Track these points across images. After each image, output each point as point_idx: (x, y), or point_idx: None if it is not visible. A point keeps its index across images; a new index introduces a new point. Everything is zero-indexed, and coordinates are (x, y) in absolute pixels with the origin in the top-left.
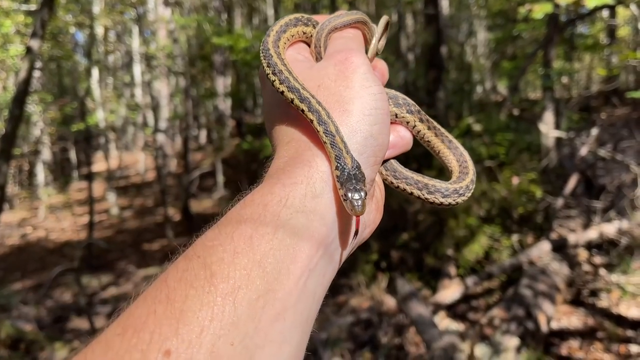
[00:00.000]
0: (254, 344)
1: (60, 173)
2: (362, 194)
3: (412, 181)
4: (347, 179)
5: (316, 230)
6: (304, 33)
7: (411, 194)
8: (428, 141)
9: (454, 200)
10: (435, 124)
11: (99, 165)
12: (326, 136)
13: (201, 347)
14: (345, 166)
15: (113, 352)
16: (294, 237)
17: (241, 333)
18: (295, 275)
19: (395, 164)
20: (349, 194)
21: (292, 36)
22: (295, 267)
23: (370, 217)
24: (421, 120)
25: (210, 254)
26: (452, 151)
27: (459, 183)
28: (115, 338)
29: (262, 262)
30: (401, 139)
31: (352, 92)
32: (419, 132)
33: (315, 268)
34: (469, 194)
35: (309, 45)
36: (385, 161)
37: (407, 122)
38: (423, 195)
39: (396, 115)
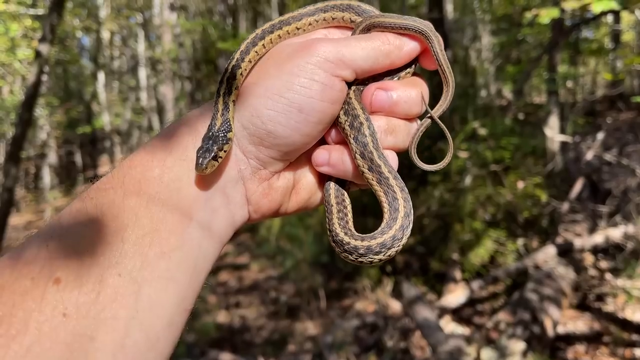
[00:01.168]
0: (142, 277)
1: (66, 176)
2: (211, 154)
3: (329, 210)
4: (208, 137)
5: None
6: (352, 21)
7: (325, 220)
8: (365, 177)
9: (356, 258)
10: (383, 168)
11: (104, 168)
12: (216, 96)
13: (90, 276)
14: (213, 126)
15: (3, 280)
16: (178, 182)
17: (128, 266)
18: (177, 218)
19: (331, 185)
20: (199, 152)
21: (334, 19)
22: (179, 211)
23: (254, 198)
24: (362, 156)
25: (102, 196)
26: (388, 198)
27: (370, 240)
28: (6, 269)
29: (148, 204)
30: (342, 163)
31: (278, 72)
32: (358, 165)
33: (196, 217)
34: (381, 257)
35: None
36: (329, 178)
37: (351, 149)
38: (328, 232)
39: (347, 135)
